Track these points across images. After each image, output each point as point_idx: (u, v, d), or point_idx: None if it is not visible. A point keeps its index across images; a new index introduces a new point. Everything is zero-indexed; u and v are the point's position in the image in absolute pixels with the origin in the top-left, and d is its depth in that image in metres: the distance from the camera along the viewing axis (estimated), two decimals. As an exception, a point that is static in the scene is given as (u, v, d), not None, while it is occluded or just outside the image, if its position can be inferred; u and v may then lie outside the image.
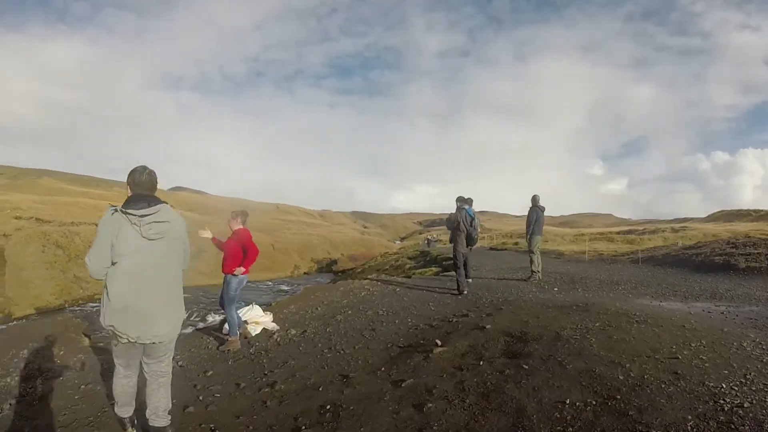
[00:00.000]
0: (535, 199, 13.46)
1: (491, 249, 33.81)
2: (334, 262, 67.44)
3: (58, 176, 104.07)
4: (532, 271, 13.64)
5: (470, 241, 11.64)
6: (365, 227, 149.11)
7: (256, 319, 9.32)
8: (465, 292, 11.01)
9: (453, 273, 14.40)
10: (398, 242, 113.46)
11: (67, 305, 38.86)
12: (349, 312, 10.08)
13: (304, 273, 64.44)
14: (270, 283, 55.11)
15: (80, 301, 40.61)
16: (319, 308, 10.84)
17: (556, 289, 11.98)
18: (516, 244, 33.64)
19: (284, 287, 51.16)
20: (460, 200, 11.74)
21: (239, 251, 7.95)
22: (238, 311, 8.81)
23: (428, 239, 49.79)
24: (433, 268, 20.78)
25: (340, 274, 53.21)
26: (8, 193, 64.76)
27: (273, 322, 9.55)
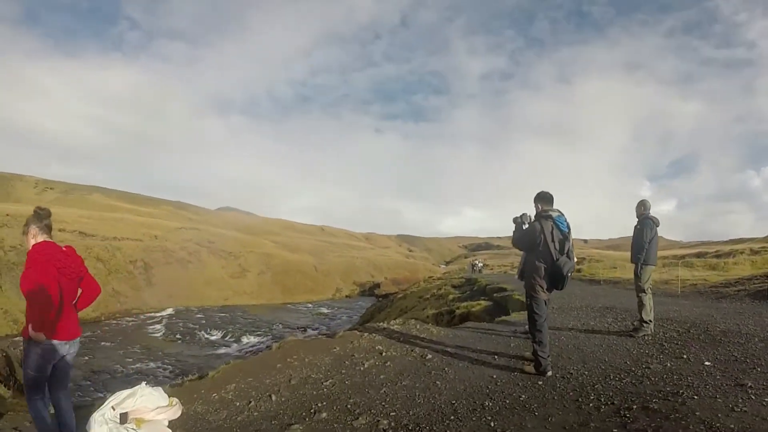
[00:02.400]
0: (645, 206, 8.98)
1: None
2: (377, 285, 66.85)
3: (108, 193, 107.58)
4: (642, 321, 8.57)
5: (560, 279, 6.29)
6: (410, 251, 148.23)
7: (143, 414, 5.17)
8: (549, 374, 6.10)
9: (509, 318, 11.29)
10: (443, 266, 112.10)
11: (103, 318, 39.57)
12: (324, 416, 5.39)
13: (346, 296, 64.23)
14: (310, 305, 55.01)
15: (117, 315, 41.30)
16: (275, 396, 6.22)
17: (706, 362, 6.41)
18: (579, 271, 29.39)
19: (324, 310, 51.01)
20: (543, 200, 6.50)
21: (45, 291, 4.25)
22: (116, 395, 5.23)
23: (473, 264, 48.12)
24: (482, 302, 17.08)
25: (381, 299, 52.51)
26: (57, 207, 66.91)
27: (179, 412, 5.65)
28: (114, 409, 4.89)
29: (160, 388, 5.57)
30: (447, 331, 9.90)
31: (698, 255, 41.08)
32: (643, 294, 8.70)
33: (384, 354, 7.94)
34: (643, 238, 8.75)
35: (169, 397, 5.57)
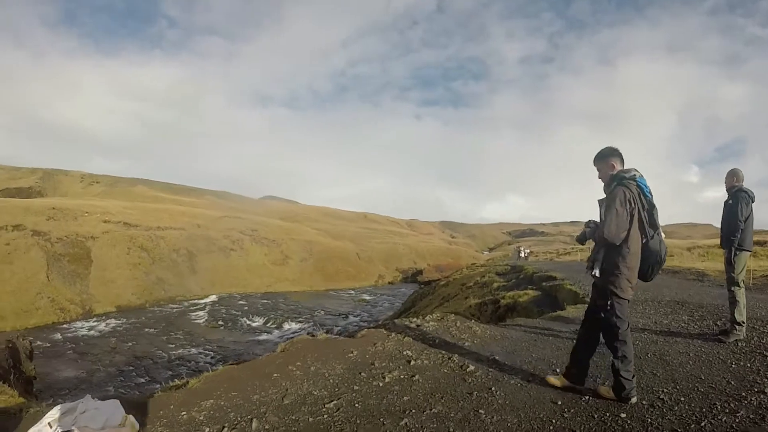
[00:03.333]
0: (738, 176, 7.10)
1: None
2: (420, 272, 66.15)
3: (152, 185, 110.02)
4: (735, 323, 6.79)
5: (653, 266, 4.72)
6: (453, 237, 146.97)
7: None
8: (634, 400, 4.56)
9: (566, 314, 9.52)
10: (486, 252, 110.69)
11: (147, 305, 40.20)
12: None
13: (389, 282, 63.72)
14: (352, 291, 54.73)
15: (161, 302, 41.93)
16: (256, 422, 4.50)
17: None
18: None
19: (366, 297, 50.60)
20: (620, 157, 4.79)
21: None
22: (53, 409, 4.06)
23: (519, 250, 46.75)
24: (530, 292, 15.64)
25: (423, 285, 51.84)
26: (103, 200, 68.94)
27: None
28: (51, 426, 4.07)
29: (115, 401, 4.47)
30: (493, 331, 7.93)
31: (757, 243, 38.39)
32: (737, 288, 6.83)
33: (413, 363, 6.13)
34: (738, 215, 6.80)
35: (125, 413, 4.42)
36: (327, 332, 9.59)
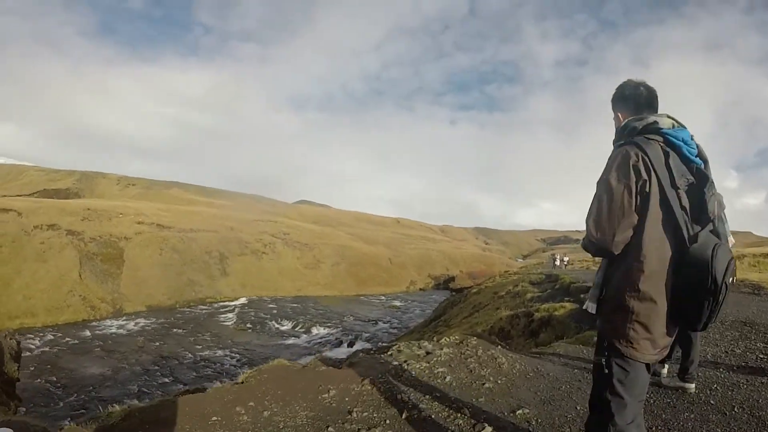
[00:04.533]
0: None
1: None
2: (452, 278, 65.18)
3: (186, 188, 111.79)
4: None
5: (703, 300, 2.14)
6: (486, 243, 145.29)
7: None
8: None
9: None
10: (520, 260, 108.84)
11: (177, 306, 40.29)
12: None
13: (420, 289, 62.95)
14: (383, 297, 54.10)
15: (191, 303, 41.98)
16: None
17: None
18: None
19: (397, 303, 49.88)
20: (630, 100, 2.55)
21: None
22: None
23: (554, 257, 45.13)
24: (567, 304, 13.79)
25: (455, 293, 50.88)
26: (138, 202, 70.00)
27: None
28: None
29: (7, 430, 3.74)
30: (524, 363, 5.88)
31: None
32: None
33: (406, 415, 4.28)
34: None
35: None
36: (319, 356, 7.82)
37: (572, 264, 45.03)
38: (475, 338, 7.15)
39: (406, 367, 5.64)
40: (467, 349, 6.44)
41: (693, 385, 4.57)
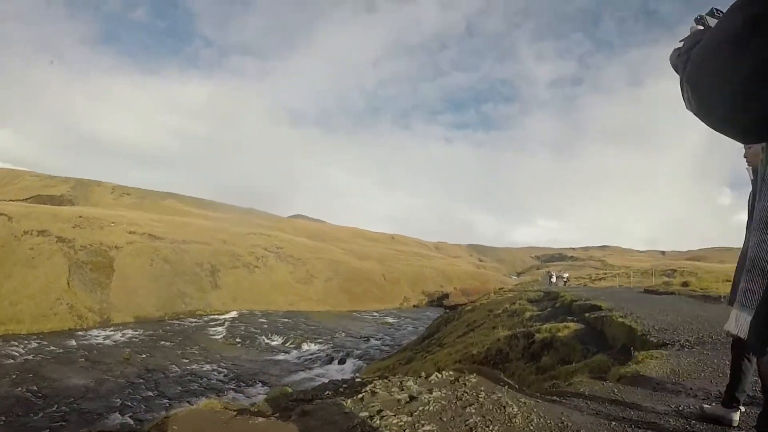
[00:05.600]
0: None
1: (647, 292, 22.09)
2: (446, 295, 64.67)
3: (181, 199, 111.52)
4: None
5: None
6: (481, 260, 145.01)
7: None
8: None
9: (643, 370, 5.92)
10: (514, 277, 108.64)
11: (167, 317, 39.66)
12: None
13: (414, 305, 62.44)
14: (376, 314, 53.44)
15: (181, 315, 41.35)
16: None
17: None
18: (685, 284, 22.77)
19: (390, 319, 49.27)
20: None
21: None
22: None
23: (550, 274, 44.71)
24: (571, 324, 12.86)
25: (449, 310, 50.34)
26: (132, 211, 69.65)
27: None
28: None
29: None
30: (541, 413, 4.38)
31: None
32: None
33: None
34: None
35: None
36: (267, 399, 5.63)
37: (569, 281, 44.58)
38: (474, 375, 5.44)
39: (378, 422, 3.98)
40: (465, 391, 4.89)
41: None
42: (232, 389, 22.87)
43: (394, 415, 4.10)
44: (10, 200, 67.83)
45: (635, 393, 5.02)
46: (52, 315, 32.13)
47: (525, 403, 4.63)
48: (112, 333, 31.95)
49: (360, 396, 4.68)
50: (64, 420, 18.11)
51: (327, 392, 5.21)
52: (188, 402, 20.10)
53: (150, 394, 21.53)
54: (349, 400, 4.55)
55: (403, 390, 4.84)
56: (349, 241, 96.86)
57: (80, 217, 45.55)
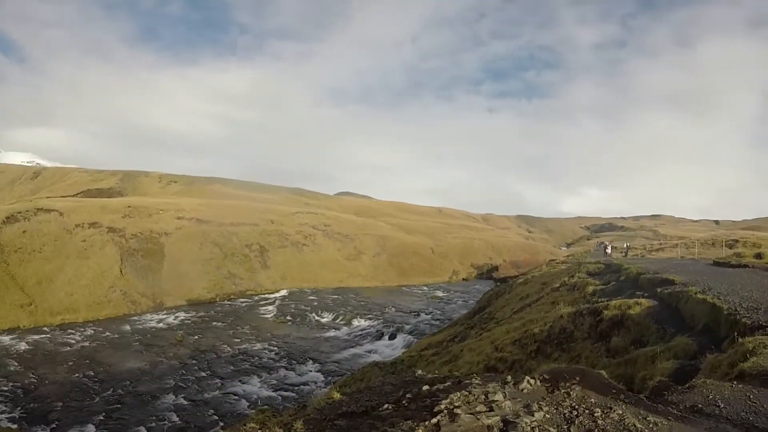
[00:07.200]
0: None
1: (717, 264, 20.17)
2: (495, 268, 63.58)
3: (227, 183, 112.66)
4: None
5: None
6: (530, 231, 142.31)
7: None
8: None
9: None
10: (564, 248, 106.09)
11: (218, 299, 40.33)
12: None
13: (463, 279, 61.66)
14: (425, 288, 53.13)
15: (231, 296, 42.06)
16: None
17: None
18: (759, 256, 20.92)
19: (439, 293, 48.79)
20: None
21: None
22: None
23: (605, 245, 42.53)
24: (643, 301, 11.72)
25: (499, 283, 49.31)
26: (179, 198, 70.65)
27: None
28: None
29: None
30: None
31: None
32: None
33: None
34: None
35: None
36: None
37: (622, 252, 42.27)
38: (577, 384, 4.28)
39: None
40: (572, 407, 3.73)
41: None
42: (283, 367, 22.85)
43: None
44: (61, 196, 69.92)
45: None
46: (107, 302, 32.98)
47: (655, 423, 3.44)
48: (165, 316, 32.59)
49: (435, 420, 3.39)
50: (120, 403, 18.34)
51: (386, 406, 4.19)
52: (240, 382, 20.09)
53: (203, 374, 21.69)
54: (420, 429, 3.31)
55: (491, 410, 3.59)
56: (396, 216, 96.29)
57: (129, 206, 46.50)
